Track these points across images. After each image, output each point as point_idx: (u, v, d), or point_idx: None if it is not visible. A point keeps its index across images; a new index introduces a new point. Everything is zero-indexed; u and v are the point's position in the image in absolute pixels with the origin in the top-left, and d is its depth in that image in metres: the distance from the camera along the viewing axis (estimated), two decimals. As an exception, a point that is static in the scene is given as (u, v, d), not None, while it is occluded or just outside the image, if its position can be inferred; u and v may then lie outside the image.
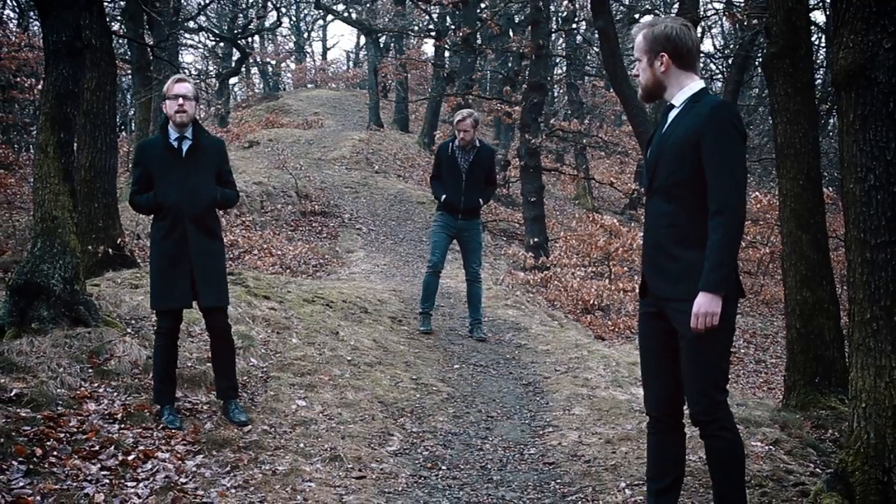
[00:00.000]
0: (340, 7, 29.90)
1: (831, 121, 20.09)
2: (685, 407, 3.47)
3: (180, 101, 5.00)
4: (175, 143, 5.06)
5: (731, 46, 22.96)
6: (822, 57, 18.85)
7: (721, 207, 3.19)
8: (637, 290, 9.19)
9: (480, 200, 8.04)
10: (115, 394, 5.19)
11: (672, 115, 3.42)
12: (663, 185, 3.38)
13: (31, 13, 20.03)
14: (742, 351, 12.96)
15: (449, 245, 8.21)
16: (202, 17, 27.56)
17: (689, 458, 4.17)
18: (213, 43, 32.29)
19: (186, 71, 28.26)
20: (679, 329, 3.33)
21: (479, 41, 22.64)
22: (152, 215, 5.14)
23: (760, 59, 10.37)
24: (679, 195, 3.32)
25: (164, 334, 5.09)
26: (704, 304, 3.18)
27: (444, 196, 8.00)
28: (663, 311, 3.42)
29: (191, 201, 5.01)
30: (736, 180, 3.22)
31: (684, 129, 3.31)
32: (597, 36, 12.87)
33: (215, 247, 5.17)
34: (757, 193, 16.94)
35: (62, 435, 4.44)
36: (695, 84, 3.40)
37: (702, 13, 16.86)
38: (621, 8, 22.09)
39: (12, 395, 4.72)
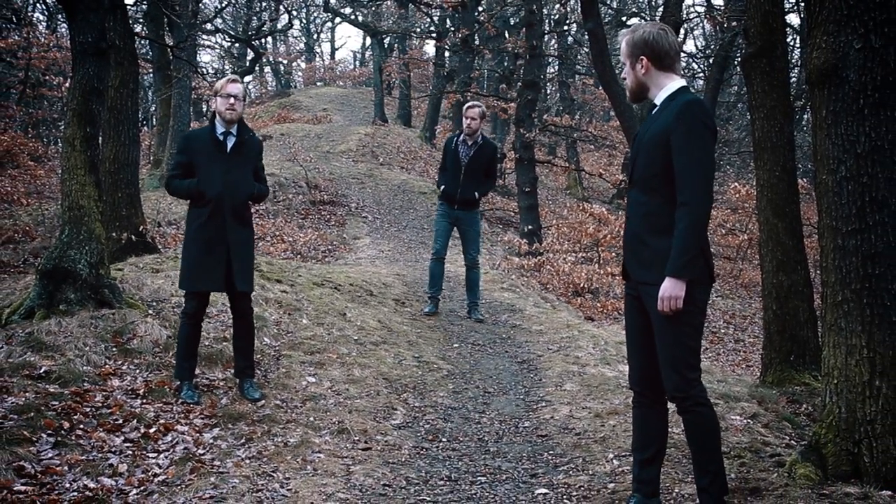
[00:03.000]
0: (348, 10, 29.68)
1: (805, 116, 20.05)
2: None
3: (232, 100, 5.01)
4: (221, 138, 5.05)
5: (712, 47, 22.84)
6: (796, 57, 18.77)
7: (687, 199, 3.17)
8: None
9: (476, 194, 7.93)
10: (138, 371, 5.18)
11: (653, 113, 3.40)
12: (640, 178, 3.38)
13: (60, 15, 19.92)
14: (722, 331, 12.95)
15: (451, 232, 8.16)
16: (219, 20, 27.43)
17: (673, 430, 4.16)
18: (229, 43, 32.26)
19: (204, 69, 28.15)
20: (650, 311, 3.32)
21: (477, 42, 22.54)
22: (188, 201, 5.12)
23: (739, 59, 10.33)
24: (654, 187, 3.31)
25: (191, 315, 5.07)
26: (669, 289, 3.17)
27: (443, 186, 7.98)
28: (639, 293, 3.41)
29: (231, 193, 5.01)
30: (703, 173, 3.18)
31: (659, 126, 3.29)
32: (587, 37, 12.79)
33: (249, 235, 5.17)
34: (736, 184, 16.91)
35: (88, 409, 4.44)
36: (674, 84, 3.36)
37: (685, 16, 16.79)
38: (609, 11, 21.99)
39: (42, 372, 4.72)
